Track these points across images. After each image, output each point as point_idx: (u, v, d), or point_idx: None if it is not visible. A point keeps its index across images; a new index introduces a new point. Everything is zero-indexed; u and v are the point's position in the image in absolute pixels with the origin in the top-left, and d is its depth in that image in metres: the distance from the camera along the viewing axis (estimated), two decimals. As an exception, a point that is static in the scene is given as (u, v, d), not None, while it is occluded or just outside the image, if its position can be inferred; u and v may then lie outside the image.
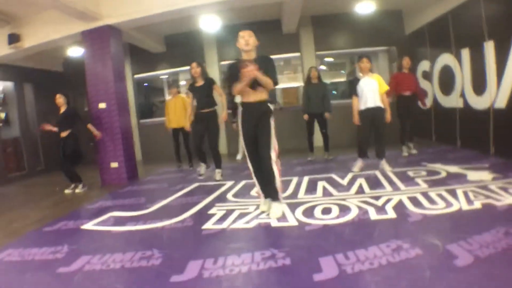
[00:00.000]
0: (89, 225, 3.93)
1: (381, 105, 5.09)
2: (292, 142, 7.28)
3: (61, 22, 6.43)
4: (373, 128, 5.16)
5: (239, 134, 3.95)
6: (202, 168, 6.03)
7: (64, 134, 5.98)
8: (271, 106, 3.66)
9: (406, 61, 6.24)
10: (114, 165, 6.47)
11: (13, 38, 6.87)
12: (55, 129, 6.04)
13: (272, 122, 3.60)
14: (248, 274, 2.36)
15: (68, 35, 6.69)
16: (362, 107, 5.14)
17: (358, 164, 5.36)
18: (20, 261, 3.07)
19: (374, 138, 5.22)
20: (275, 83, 3.54)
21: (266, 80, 3.42)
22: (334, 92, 10.34)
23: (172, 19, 6.67)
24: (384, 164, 5.17)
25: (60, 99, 6.05)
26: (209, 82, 5.59)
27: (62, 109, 6.06)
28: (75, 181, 6.16)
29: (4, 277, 2.77)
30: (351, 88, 5.35)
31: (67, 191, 6.09)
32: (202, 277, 2.38)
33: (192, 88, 5.67)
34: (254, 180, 3.75)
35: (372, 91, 5.05)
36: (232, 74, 3.61)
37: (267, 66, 3.51)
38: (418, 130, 6.69)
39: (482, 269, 2.10)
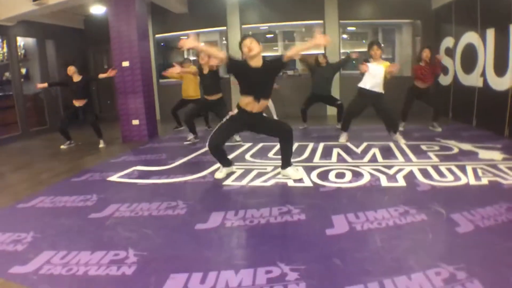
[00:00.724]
0: (114, 177, 4.18)
1: (382, 91, 5.17)
2: (309, 108, 7.37)
3: (87, -21, 6.49)
4: (378, 111, 5.27)
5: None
6: (190, 136, 6.15)
7: (80, 103, 6.23)
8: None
9: (426, 54, 6.03)
10: (136, 122, 6.69)
11: (37, -5, 6.93)
12: (45, 85, 6.47)
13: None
14: (266, 225, 2.60)
15: (92, -7, 6.77)
16: (364, 85, 5.21)
17: (344, 136, 5.55)
18: (52, 207, 3.34)
19: (382, 118, 5.31)
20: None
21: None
22: (354, 62, 10.31)
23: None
24: (399, 137, 5.27)
25: (72, 70, 6.18)
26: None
27: (76, 79, 6.20)
28: (98, 135, 6.45)
29: (40, 221, 3.01)
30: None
31: (63, 146, 6.38)
32: (224, 226, 2.62)
33: (200, 74, 5.92)
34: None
35: (378, 77, 5.09)
36: (237, 67, 3.64)
37: (276, 64, 3.60)
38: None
39: (481, 237, 2.29)
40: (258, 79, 3.51)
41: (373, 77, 5.10)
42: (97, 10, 8.80)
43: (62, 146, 6.34)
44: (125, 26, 6.50)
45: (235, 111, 3.71)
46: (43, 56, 9.09)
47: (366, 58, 5.42)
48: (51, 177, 4.50)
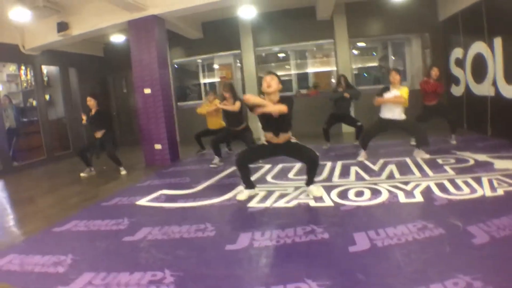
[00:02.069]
0: (142, 201, 4.38)
1: (401, 117, 5.31)
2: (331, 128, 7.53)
3: (108, 12, 6.84)
4: (405, 130, 5.47)
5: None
6: (216, 159, 6.30)
7: (99, 134, 6.39)
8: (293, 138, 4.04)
9: (435, 72, 6.15)
10: (158, 146, 6.95)
11: (62, 27, 7.30)
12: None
13: (297, 142, 4.05)
14: (292, 245, 2.76)
15: (114, 24, 7.11)
16: (383, 115, 5.43)
17: (363, 154, 5.62)
18: (87, 230, 3.54)
19: (410, 134, 5.65)
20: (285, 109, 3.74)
21: (274, 107, 3.70)
22: (365, 75, 10.49)
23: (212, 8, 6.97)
24: (421, 153, 5.36)
25: (91, 102, 6.39)
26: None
27: (94, 111, 6.41)
28: (118, 164, 6.53)
29: (76, 244, 3.22)
30: (380, 92, 5.49)
31: (83, 174, 6.47)
32: (253, 246, 2.79)
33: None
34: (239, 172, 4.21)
35: (394, 104, 5.28)
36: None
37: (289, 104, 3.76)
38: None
39: (496, 247, 2.41)
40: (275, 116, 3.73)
41: (390, 106, 5.30)
42: (117, 38, 9.22)
43: (82, 174, 6.45)
44: (146, 55, 6.83)
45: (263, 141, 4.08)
46: (66, 83, 9.55)
47: (385, 86, 5.57)
48: (81, 201, 4.74)
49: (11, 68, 8.91)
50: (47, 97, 9.28)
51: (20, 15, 6.33)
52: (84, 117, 6.45)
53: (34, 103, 8.80)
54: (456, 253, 2.38)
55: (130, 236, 3.27)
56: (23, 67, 8.81)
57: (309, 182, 4.02)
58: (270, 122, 3.84)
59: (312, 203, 3.70)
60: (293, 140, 4.02)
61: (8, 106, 8.24)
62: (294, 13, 8.87)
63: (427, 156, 5.27)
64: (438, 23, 8.60)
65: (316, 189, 3.99)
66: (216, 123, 7.06)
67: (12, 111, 8.34)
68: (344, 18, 8.90)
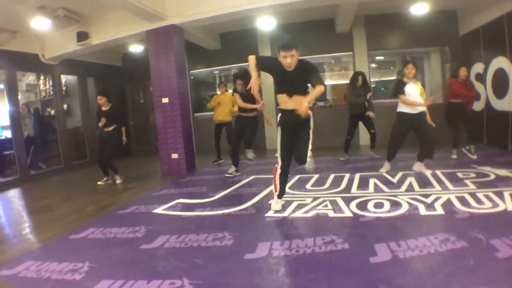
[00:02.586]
0: (159, 210, 4.40)
1: (424, 109, 5.13)
2: (339, 139, 7.48)
3: (127, 22, 6.96)
4: (420, 131, 5.10)
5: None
6: (232, 169, 6.31)
7: (109, 129, 6.39)
8: (310, 112, 3.65)
9: (464, 72, 6.02)
10: (175, 156, 7.00)
11: (82, 36, 7.47)
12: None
13: (312, 123, 3.79)
14: (312, 255, 2.73)
15: (133, 34, 7.24)
16: (405, 109, 5.13)
17: (386, 166, 5.47)
18: (103, 238, 3.55)
19: (421, 140, 5.14)
20: (322, 84, 3.55)
21: (315, 95, 3.58)
22: (383, 89, 10.42)
23: (231, 19, 7.06)
24: (421, 167, 5.25)
25: (101, 100, 6.38)
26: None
27: (105, 108, 6.41)
28: (114, 172, 6.58)
29: (93, 251, 3.22)
30: (396, 88, 5.24)
31: (100, 182, 6.54)
32: (272, 255, 2.77)
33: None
34: (277, 180, 3.98)
35: (414, 96, 5.05)
36: (271, 64, 3.74)
37: (309, 72, 3.59)
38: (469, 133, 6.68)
39: (521, 261, 2.35)
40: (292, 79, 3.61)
41: (413, 97, 5.06)
42: (135, 48, 9.39)
43: (99, 183, 6.52)
44: (165, 64, 6.92)
45: (279, 115, 3.87)
46: (84, 92, 9.72)
47: (399, 81, 5.35)
48: (98, 209, 4.78)
49: (30, 78, 9.14)
50: (65, 106, 9.49)
51: (41, 24, 6.51)
52: (102, 121, 6.37)
53: (52, 112, 8.99)
54: (479, 266, 2.32)
55: (147, 244, 3.26)
56: (42, 77, 9.03)
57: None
58: (284, 81, 3.67)
59: (331, 214, 3.66)
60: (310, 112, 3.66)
61: (26, 115, 8.41)
62: (313, 25, 8.90)
63: (429, 171, 5.13)
64: (458, 38, 8.55)
65: (275, 203, 4.00)
66: (223, 113, 7.33)
67: (31, 120, 8.53)
68: (363, 30, 8.91)
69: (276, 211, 3.90)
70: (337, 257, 2.67)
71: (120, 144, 6.59)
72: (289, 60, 3.47)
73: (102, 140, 6.53)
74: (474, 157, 6.06)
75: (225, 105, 7.35)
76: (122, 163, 8.98)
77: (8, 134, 8.19)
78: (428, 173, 5.09)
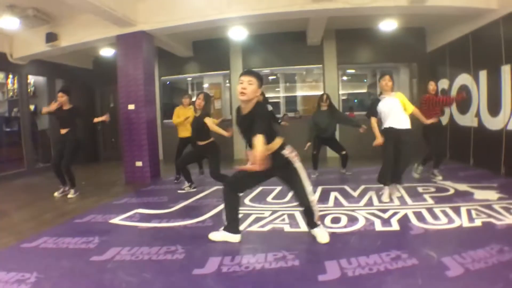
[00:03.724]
0: (116, 220, 4.27)
1: (408, 126, 4.53)
2: (309, 150, 7.45)
3: (98, 26, 6.83)
4: (399, 151, 4.52)
5: None
6: (185, 185, 5.85)
7: (64, 131, 5.82)
8: (287, 153, 3.14)
9: (432, 87, 5.80)
10: (139, 164, 6.86)
11: (51, 37, 7.30)
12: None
13: (296, 165, 3.18)
14: (261, 271, 2.67)
15: (103, 38, 7.12)
16: (386, 125, 4.62)
17: (386, 193, 4.63)
18: (55, 248, 3.42)
19: (398, 160, 4.57)
20: (259, 132, 2.77)
21: (256, 146, 2.75)
22: (356, 101, 10.56)
23: (202, 27, 7.02)
24: (395, 189, 4.74)
25: (63, 98, 5.77)
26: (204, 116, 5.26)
27: (65, 107, 5.81)
28: (70, 184, 5.88)
29: (43, 262, 3.09)
30: (370, 109, 4.95)
31: (56, 194, 5.86)
32: (221, 271, 2.70)
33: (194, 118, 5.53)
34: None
35: (395, 111, 4.53)
36: (236, 116, 3.26)
37: (256, 115, 2.94)
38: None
39: (469, 281, 2.35)
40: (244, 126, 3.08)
41: (390, 111, 4.56)
42: (106, 52, 9.21)
43: (55, 194, 5.84)
44: (133, 70, 6.81)
45: None
46: (52, 94, 9.40)
47: (374, 100, 5.04)
48: (55, 217, 4.61)
49: (-1, 76, 8.84)
50: (32, 107, 9.18)
51: (9, 23, 6.32)
52: (47, 109, 5.90)
53: (19, 113, 8.69)
54: (428, 286, 2.32)
55: (98, 255, 3.16)
56: (10, 76, 8.74)
57: (309, 224, 3.34)
58: (240, 126, 3.17)
59: (287, 228, 3.62)
60: (287, 152, 3.13)
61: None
62: (285, 37, 8.98)
63: (398, 194, 4.76)
64: (426, 54, 8.79)
65: (321, 233, 3.27)
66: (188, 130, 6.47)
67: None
68: (334, 44, 9.05)
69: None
70: (286, 274, 2.61)
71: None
72: (245, 84, 2.94)
73: (58, 144, 5.93)
74: (440, 177, 5.75)
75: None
76: (89, 169, 8.77)
77: None
78: (396, 196, 4.68)
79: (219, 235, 3.37)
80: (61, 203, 5.41)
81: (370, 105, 5.03)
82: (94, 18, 6.59)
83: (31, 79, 9.14)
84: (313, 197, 3.29)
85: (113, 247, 3.33)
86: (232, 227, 3.33)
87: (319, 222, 3.33)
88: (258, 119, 2.88)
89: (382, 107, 4.67)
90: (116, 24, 6.59)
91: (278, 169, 3.13)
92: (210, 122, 5.21)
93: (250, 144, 2.96)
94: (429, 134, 5.79)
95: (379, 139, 4.60)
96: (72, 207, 5.10)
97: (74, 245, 3.46)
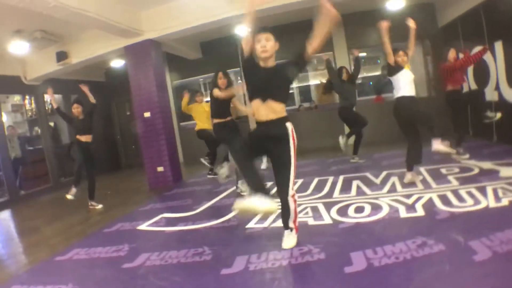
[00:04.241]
0: (143, 226, 4.38)
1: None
2: (327, 140, 7.45)
3: (105, 39, 6.98)
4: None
5: None
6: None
7: (85, 138, 5.87)
8: (289, 125, 2.97)
9: (453, 54, 5.60)
10: (160, 169, 6.98)
11: (61, 56, 7.51)
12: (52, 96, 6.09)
13: (292, 147, 2.94)
14: (288, 267, 2.70)
15: (111, 51, 7.26)
16: (403, 93, 4.53)
17: (409, 175, 4.60)
18: (87, 258, 3.54)
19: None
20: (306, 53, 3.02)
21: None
22: (371, 83, 10.42)
23: (207, 28, 7.04)
24: (413, 176, 4.58)
25: (78, 109, 5.88)
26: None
27: (81, 117, 5.92)
28: (74, 183, 6.03)
29: (77, 273, 3.24)
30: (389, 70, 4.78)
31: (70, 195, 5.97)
32: (248, 270, 2.74)
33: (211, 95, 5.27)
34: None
35: (408, 83, 4.56)
36: (247, 67, 3.07)
37: (287, 64, 3.06)
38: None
39: (498, 264, 2.30)
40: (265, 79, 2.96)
41: (409, 83, 4.57)
42: (116, 63, 9.36)
43: (68, 196, 5.93)
44: (144, 79, 6.91)
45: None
46: (69, 110, 9.59)
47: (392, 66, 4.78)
48: (85, 228, 4.76)
49: (16, 98, 9.09)
50: (52, 124, 9.42)
51: (19, 47, 6.51)
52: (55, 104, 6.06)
53: (39, 131, 8.95)
54: (455, 272, 2.28)
55: (129, 262, 3.25)
56: (27, 97, 8.98)
57: (284, 224, 3.14)
58: (259, 80, 2.98)
59: (311, 222, 3.62)
60: (290, 127, 2.96)
61: (13, 136, 8.36)
62: (292, 27, 8.84)
63: (419, 178, 4.60)
64: (437, 30, 8.57)
65: (287, 239, 3.09)
66: (207, 120, 6.78)
67: (18, 141, 8.48)
68: (342, 29, 8.90)
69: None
70: (312, 268, 2.64)
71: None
72: (263, 42, 2.88)
73: (82, 152, 5.87)
74: (467, 156, 5.54)
75: (200, 112, 7.09)
76: (111, 178, 8.96)
77: None
78: (418, 180, 4.54)
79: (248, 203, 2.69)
80: (88, 215, 5.57)
81: (391, 70, 4.76)
82: (100, 33, 6.73)
83: (47, 97, 9.35)
84: (293, 192, 3.01)
85: (142, 253, 3.42)
86: (263, 189, 2.73)
87: (292, 226, 3.09)
88: (291, 58, 3.08)
89: (402, 76, 4.61)
90: (123, 36, 6.69)
91: (276, 140, 2.93)
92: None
93: (265, 98, 2.91)
94: (450, 105, 5.73)
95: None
96: (100, 218, 5.24)
97: (105, 254, 3.57)
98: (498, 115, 5.61)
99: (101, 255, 3.56)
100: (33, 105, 9.00)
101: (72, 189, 5.96)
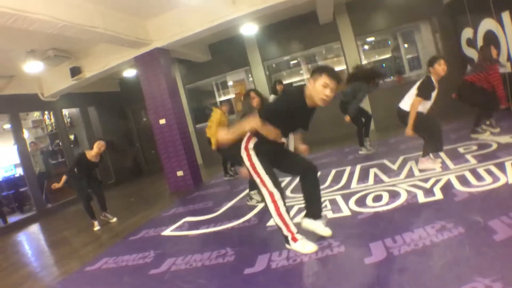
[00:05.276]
0: (167, 232, 4.48)
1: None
2: (341, 130, 7.39)
3: (115, 51, 7.15)
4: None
5: None
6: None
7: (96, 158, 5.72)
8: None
9: (494, 51, 5.23)
10: (180, 173, 7.10)
11: (75, 71, 7.71)
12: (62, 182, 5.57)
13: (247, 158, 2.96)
14: (309, 263, 2.74)
15: (122, 62, 7.40)
16: (421, 109, 4.34)
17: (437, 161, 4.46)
18: (116, 267, 3.67)
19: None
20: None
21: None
22: (384, 65, 10.25)
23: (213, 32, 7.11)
24: (429, 162, 4.43)
25: (102, 148, 5.64)
26: None
27: (96, 159, 5.71)
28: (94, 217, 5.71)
29: (107, 282, 3.36)
30: (427, 88, 4.31)
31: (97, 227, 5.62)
32: (270, 268, 2.79)
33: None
34: (285, 217, 3.00)
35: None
36: (291, 104, 2.87)
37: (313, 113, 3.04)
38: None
39: (519, 242, 2.27)
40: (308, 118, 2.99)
41: (427, 105, 4.38)
42: (129, 73, 9.53)
43: (95, 229, 5.57)
44: (156, 86, 7.03)
45: (252, 140, 2.97)
46: (87, 122, 9.95)
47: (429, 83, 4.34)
48: (111, 237, 4.91)
49: (36, 114, 9.39)
50: (71, 137, 9.71)
51: (34, 67, 6.70)
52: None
53: (61, 144, 9.25)
54: (476, 254, 2.28)
55: (156, 268, 3.35)
56: (46, 112, 9.28)
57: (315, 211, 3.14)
58: (299, 118, 2.94)
59: (330, 215, 3.62)
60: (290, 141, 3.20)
61: (36, 151, 8.65)
62: (296, 21, 8.89)
63: (438, 164, 4.39)
64: (443, 6, 8.40)
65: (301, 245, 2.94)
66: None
67: (41, 156, 8.76)
68: (347, 17, 8.86)
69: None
70: (333, 262, 2.67)
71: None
72: (329, 92, 2.71)
73: (81, 180, 5.65)
74: (497, 129, 5.35)
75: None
76: (133, 185, 9.13)
77: (21, 171, 8.47)
78: (438, 166, 4.33)
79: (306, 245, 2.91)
80: (114, 224, 5.72)
81: (424, 83, 4.32)
82: (110, 46, 6.88)
83: (65, 111, 9.63)
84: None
85: (168, 258, 3.52)
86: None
87: (324, 213, 3.16)
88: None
89: (434, 94, 4.33)
90: (132, 47, 6.83)
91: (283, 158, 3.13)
92: None
93: (286, 134, 3.01)
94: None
95: (411, 130, 4.32)
96: (125, 226, 5.38)
97: (133, 262, 3.68)
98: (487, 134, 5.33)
99: (129, 263, 3.68)
100: (52, 120, 9.29)
101: (94, 222, 5.64)
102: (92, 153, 5.59)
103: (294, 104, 2.83)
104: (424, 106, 4.34)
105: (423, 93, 4.25)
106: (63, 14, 4.91)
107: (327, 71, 2.74)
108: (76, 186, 5.72)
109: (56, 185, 5.55)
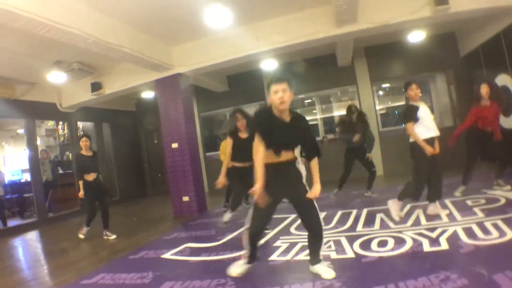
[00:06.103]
0: (167, 255, 4.46)
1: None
2: (351, 173, 7.37)
3: (137, 72, 7.37)
4: (432, 162, 4.43)
5: None
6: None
7: (93, 177, 5.88)
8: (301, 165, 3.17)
9: (486, 90, 5.23)
10: (186, 199, 7.12)
11: (96, 87, 7.96)
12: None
13: (302, 171, 3.17)
14: (310, 301, 2.70)
15: (143, 83, 7.61)
16: (427, 135, 4.41)
17: (434, 207, 4.59)
18: (113, 284, 3.65)
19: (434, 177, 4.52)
20: (319, 152, 3.14)
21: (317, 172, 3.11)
22: (396, 112, 10.35)
23: (233, 64, 7.33)
24: (437, 208, 4.56)
25: (87, 143, 5.90)
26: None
27: (88, 153, 5.94)
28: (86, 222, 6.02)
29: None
30: (408, 114, 4.51)
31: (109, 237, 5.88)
32: (270, 303, 2.76)
33: (234, 136, 4.97)
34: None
35: (431, 121, 4.47)
36: (261, 124, 3.05)
37: (306, 128, 3.15)
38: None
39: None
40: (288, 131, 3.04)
41: (429, 120, 4.46)
42: (147, 95, 9.77)
43: (80, 236, 5.99)
44: (173, 111, 7.18)
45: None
46: (100, 137, 10.13)
47: (410, 105, 4.57)
48: (110, 254, 4.91)
49: (50, 123, 9.58)
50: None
51: (57, 77, 6.94)
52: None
53: (70, 156, 9.34)
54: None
55: (153, 290, 3.30)
56: (60, 122, 9.48)
57: (314, 257, 3.24)
58: (278, 134, 3.02)
59: (334, 255, 3.61)
60: (300, 167, 3.14)
61: (46, 159, 8.77)
62: (316, 61, 9.10)
63: (445, 212, 4.50)
64: (460, 59, 8.58)
65: (326, 269, 3.15)
66: None
67: (50, 164, 8.87)
68: (365, 62, 9.07)
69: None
70: (334, 303, 2.64)
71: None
72: (280, 94, 2.89)
73: (90, 191, 5.85)
74: (508, 187, 5.29)
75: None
76: (137, 205, 9.13)
77: (27, 177, 8.66)
78: (444, 214, 4.43)
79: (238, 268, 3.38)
80: (115, 240, 5.72)
81: (407, 110, 4.56)
82: (133, 66, 7.10)
83: (80, 124, 9.83)
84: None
85: (166, 281, 3.50)
86: (253, 259, 3.38)
87: (322, 257, 3.24)
88: (310, 133, 3.18)
89: (423, 113, 4.45)
90: (154, 70, 7.04)
91: (291, 187, 3.13)
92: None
93: (277, 152, 3.03)
94: (475, 148, 5.46)
95: (430, 149, 4.34)
96: (125, 244, 5.37)
97: (130, 281, 3.66)
98: (508, 187, 5.30)
99: (126, 281, 3.66)
100: (66, 131, 9.47)
101: (84, 228, 6.00)
102: (82, 151, 5.93)
103: (265, 118, 3.04)
104: (428, 131, 4.42)
105: (408, 118, 4.48)
106: (94, 30, 5.17)
107: (270, 81, 3.03)
108: (85, 191, 5.84)
109: (81, 194, 5.83)
